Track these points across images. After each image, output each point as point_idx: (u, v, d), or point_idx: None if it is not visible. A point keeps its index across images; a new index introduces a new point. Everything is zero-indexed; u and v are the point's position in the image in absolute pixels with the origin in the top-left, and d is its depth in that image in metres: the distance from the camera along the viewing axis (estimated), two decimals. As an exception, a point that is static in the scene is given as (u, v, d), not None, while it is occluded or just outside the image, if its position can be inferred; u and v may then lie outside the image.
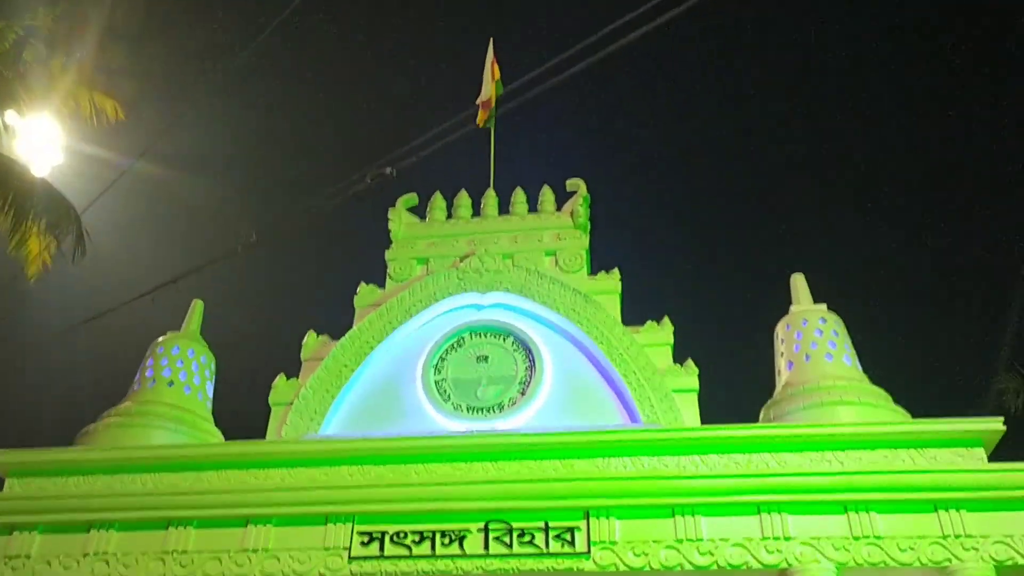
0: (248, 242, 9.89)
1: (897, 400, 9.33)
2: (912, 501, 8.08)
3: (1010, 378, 19.15)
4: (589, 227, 11.52)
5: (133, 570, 8.60)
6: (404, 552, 8.59)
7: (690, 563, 8.20)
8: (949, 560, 7.76)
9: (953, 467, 8.19)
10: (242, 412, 11.64)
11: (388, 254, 11.48)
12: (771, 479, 8.43)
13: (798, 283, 10.47)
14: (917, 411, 9.14)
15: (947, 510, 7.99)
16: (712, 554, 8.21)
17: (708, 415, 9.57)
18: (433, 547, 8.59)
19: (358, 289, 11.18)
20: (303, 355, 10.63)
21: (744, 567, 8.12)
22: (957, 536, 7.85)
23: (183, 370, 10.30)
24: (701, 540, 8.29)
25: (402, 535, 8.68)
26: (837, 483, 8.25)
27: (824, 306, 10.17)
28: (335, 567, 8.56)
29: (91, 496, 9.01)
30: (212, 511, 8.87)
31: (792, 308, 10.27)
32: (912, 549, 7.87)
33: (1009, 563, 7.68)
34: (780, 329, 10.20)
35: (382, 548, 8.63)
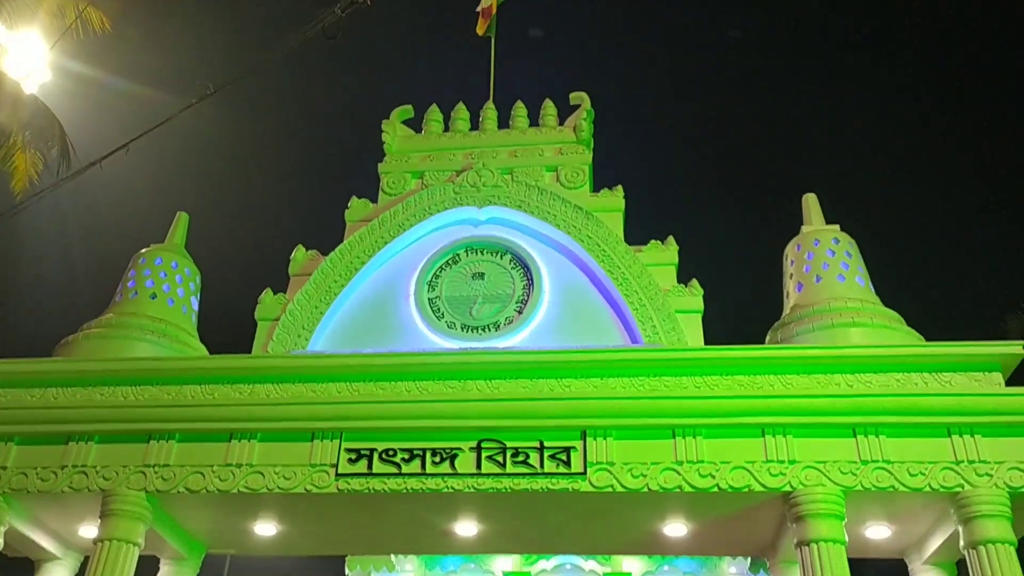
0: (204, 93, 9.36)
1: (910, 325, 8.93)
2: (924, 425, 7.73)
3: (1016, 319, 18.79)
4: (592, 142, 10.98)
5: (113, 482, 8.30)
6: (393, 470, 8.29)
7: (690, 485, 7.89)
8: (961, 486, 7.44)
9: (969, 391, 7.82)
10: (227, 328, 11.25)
11: (381, 167, 10.97)
12: (776, 400, 8.07)
13: (810, 203, 9.99)
14: (929, 338, 8.75)
15: (961, 435, 7.64)
16: (713, 476, 7.89)
17: (713, 339, 9.19)
18: (423, 465, 8.28)
19: (349, 203, 10.70)
20: (291, 270, 10.20)
21: (746, 489, 7.81)
22: (971, 462, 7.51)
23: (166, 282, 9.88)
24: (702, 462, 7.97)
25: (391, 452, 8.37)
26: (845, 405, 7.90)
27: (837, 227, 9.71)
28: (322, 484, 8.27)
29: (70, 407, 8.68)
30: (194, 424, 8.54)
31: (803, 228, 9.81)
32: (923, 474, 7.54)
33: (1023, 490, 7.35)
34: (790, 250, 9.75)
35: (370, 466, 8.33)
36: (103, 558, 7.91)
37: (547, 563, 39.62)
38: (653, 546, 9.22)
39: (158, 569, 9.38)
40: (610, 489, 7.98)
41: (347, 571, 40.34)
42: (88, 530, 8.75)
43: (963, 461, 7.52)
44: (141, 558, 8.38)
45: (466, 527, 8.93)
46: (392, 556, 38.52)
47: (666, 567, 39.46)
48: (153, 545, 8.90)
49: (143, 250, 10.26)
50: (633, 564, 37.56)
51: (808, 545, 7.53)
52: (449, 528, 8.95)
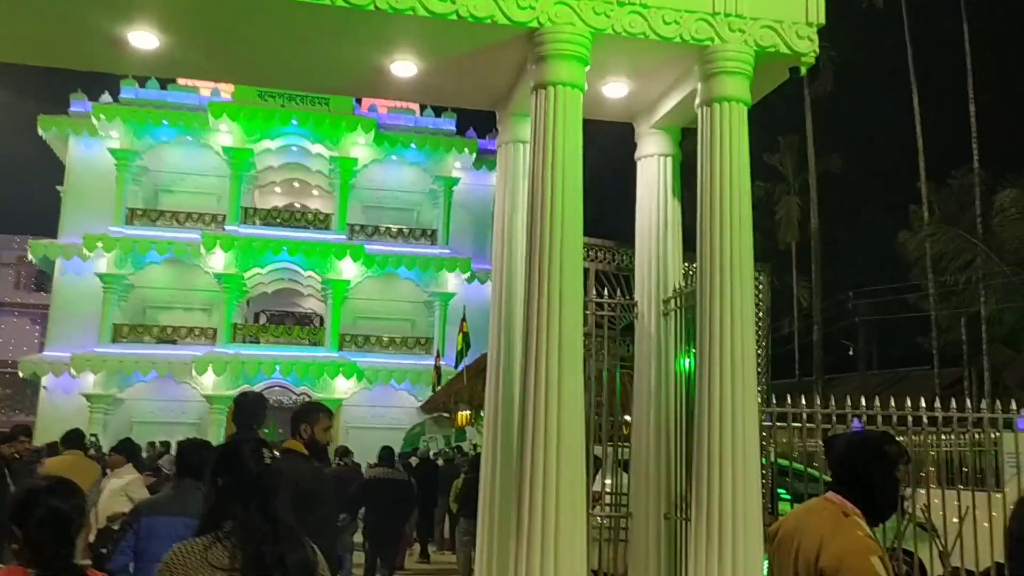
0: None
1: None
2: (693, -28, 6.93)
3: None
4: None
5: None
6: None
7: (426, 8, 6.65)
8: (712, 39, 6.91)
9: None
10: None
11: None
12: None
13: None
14: None
15: (726, -14, 6.97)
16: (454, 2, 6.71)
17: None
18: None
19: None
20: None
21: (489, 21, 6.75)
22: (727, 15, 6.92)
23: None
24: (444, -16, 6.71)
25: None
26: (615, -64, 6.82)
27: None
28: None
29: None
30: None
31: None
32: (677, 23, 6.88)
33: (771, 50, 6.99)
34: None
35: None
36: None
37: (272, 143, 38.40)
38: (379, 86, 8.17)
39: None
40: (328, 2, 6.58)
41: (40, 132, 36.47)
42: None
43: (720, 14, 6.91)
44: None
45: (142, 37, 7.17)
46: (95, 119, 35.13)
47: (394, 157, 39.96)
48: None
49: None
50: (360, 151, 37.35)
51: (545, 88, 6.84)
52: (120, 34, 7.14)
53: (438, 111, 37.16)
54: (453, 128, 37.00)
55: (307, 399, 33.24)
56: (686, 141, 8.32)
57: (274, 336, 34.06)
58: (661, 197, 8.14)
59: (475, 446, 21.89)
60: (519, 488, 6.28)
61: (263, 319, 36.12)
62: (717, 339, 6.60)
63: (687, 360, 7.58)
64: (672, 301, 7.88)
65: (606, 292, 8.31)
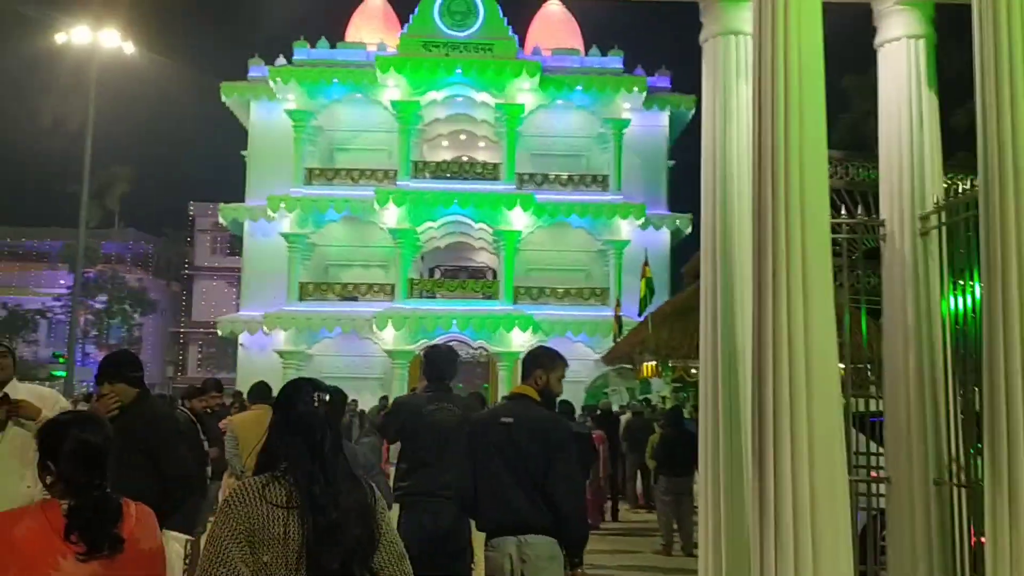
0: None
1: None
2: None
3: None
4: None
5: None
6: None
7: None
8: None
9: None
10: None
11: None
12: None
13: None
14: None
15: None
16: None
17: None
18: None
19: None
20: None
21: None
22: None
23: None
24: None
25: None
26: None
27: None
28: None
29: None
30: None
31: None
32: None
33: None
34: None
35: None
36: None
37: (437, 94, 38.05)
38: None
39: None
40: None
41: (223, 98, 37.97)
42: None
43: None
44: None
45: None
46: (271, 82, 36.23)
47: (560, 101, 38.62)
48: None
49: None
50: (526, 97, 36.30)
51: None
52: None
53: (604, 49, 35.54)
54: (620, 66, 35.27)
55: (484, 352, 33.17)
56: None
57: (449, 290, 34.15)
58: (913, 90, 6.54)
59: (664, 398, 20.75)
60: (759, 449, 5.13)
61: (438, 274, 36.31)
62: (1013, 260, 5.10)
63: (963, 291, 6.07)
64: (933, 217, 6.34)
65: (843, 212, 6.89)
